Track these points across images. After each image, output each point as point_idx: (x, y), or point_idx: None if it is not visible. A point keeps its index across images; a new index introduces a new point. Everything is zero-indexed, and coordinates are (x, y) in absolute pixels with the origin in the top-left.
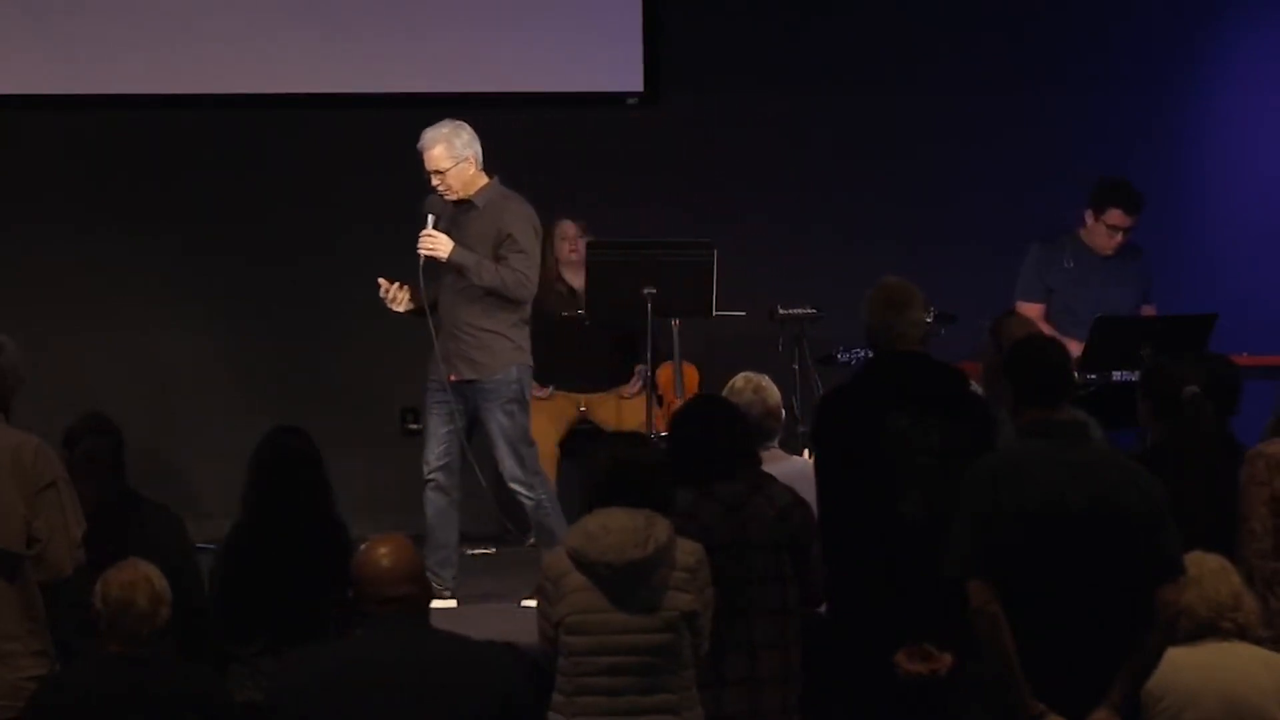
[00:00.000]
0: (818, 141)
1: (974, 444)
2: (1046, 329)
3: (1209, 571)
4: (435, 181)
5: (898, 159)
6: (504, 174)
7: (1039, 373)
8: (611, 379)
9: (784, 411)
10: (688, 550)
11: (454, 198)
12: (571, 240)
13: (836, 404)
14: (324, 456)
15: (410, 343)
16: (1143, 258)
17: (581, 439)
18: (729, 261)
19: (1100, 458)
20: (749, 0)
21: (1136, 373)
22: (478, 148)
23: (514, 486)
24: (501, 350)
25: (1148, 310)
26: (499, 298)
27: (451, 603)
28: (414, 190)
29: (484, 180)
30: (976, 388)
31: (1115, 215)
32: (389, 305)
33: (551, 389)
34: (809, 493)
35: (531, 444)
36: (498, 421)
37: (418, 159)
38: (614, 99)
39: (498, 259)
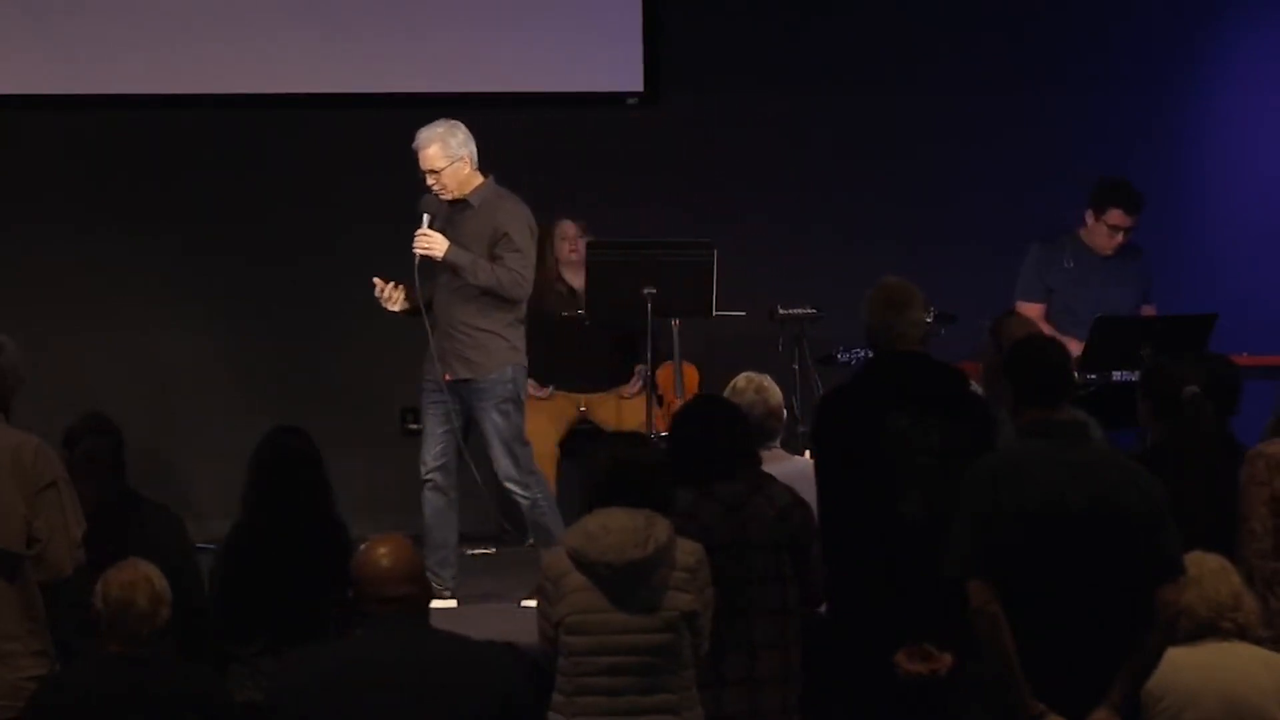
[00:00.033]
0: (818, 141)
1: (974, 444)
2: (1046, 329)
3: (1209, 571)
4: (430, 181)
5: (898, 159)
6: (504, 174)
7: (1039, 373)
8: (611, 379)
9: (785, 411)
10: (688, 550)
11: (449, 197)
12: (571, 240)
13: (836, 404)
14: (324, 456)
15: (410, 343)
16: (1143, 258)
17: (581, 439)
18: (729, 261)
19: (1100, 458)
20: (749, 0)
21: (1136, 373)
22: (473, 147)
23: (509, 486)
24: (497, 350)
25: (1148, 310)
26: (494, 297)
27: (451, 603)
28: (414, 190)
29: (479, 180)
30: (976, 388)
31: (1116, 215)
32: (384, 305)
33: (551, 389)
34: (810, 493)
35: (526, 444)
36: (492, 421)
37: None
38: (614, 99)
39: (493, 258)
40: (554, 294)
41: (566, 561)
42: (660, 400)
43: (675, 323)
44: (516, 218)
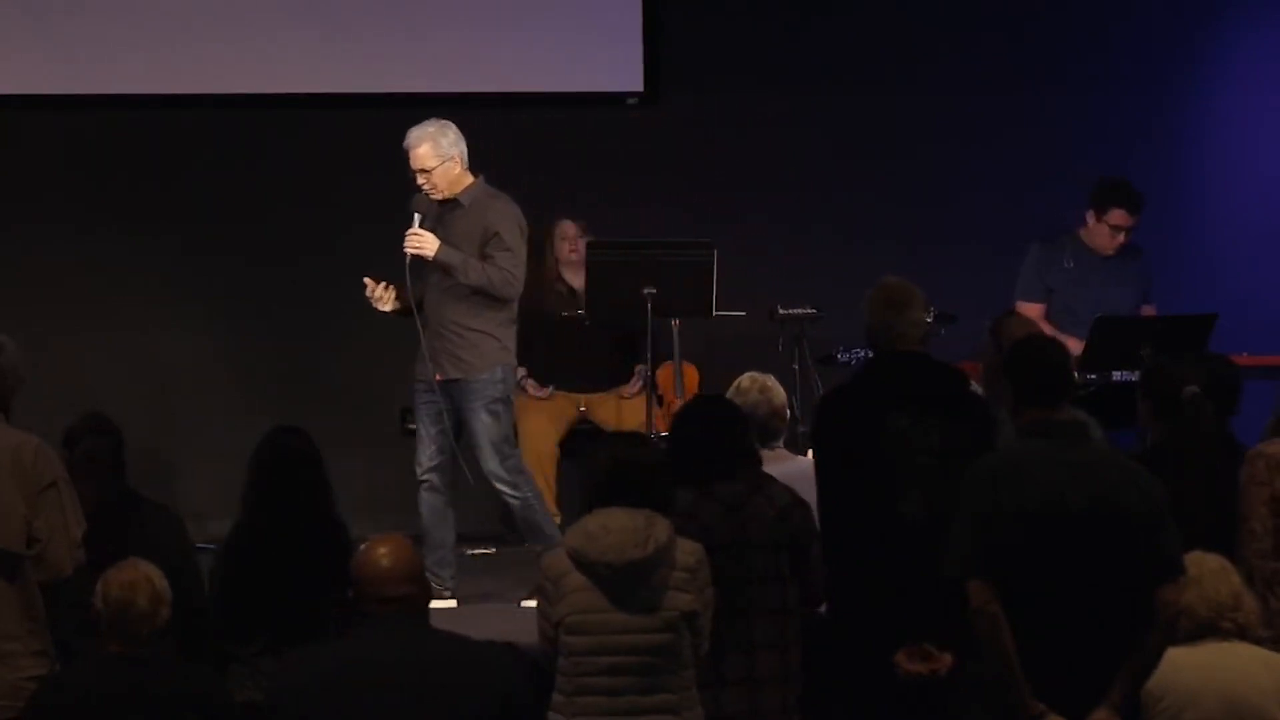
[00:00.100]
0: (818, 141)
1: (974, 444)
2: (1047, 329)
3: (1209, 571)
4: (421, 180)
5: (898, 159)
6: (504, 174)
7: (1039, 373)
8: (611, 379)
9: (789, 411)
10: (688, 550)
11: (439, 197)
12: (571, 240)
13: (836, 404)
14: (324, 456)
15: (410, 342)
16: (1143, 258)
17: (581, 439)
18: (729, 261)
19: (1100, 458)
20: (749, 0)
21: (1136, 373)
22: (463, 147)
23: (500, 487)
24: (489, 350)
25: (1148, 310)
26: (485, 296)
27: (451, 603)
28: (413, 190)
29: (469, 179)
30: (976, 388)
31: (1118, 215)
32: (375, 305)
33: (551, 389)
34: (811, 493)
35: (515, 444)
36: (482, 421)
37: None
38: (614, 99)
39: (484, 257)
40: (554, 294)
41: (566, 561)
42: (660, 400)
43: (675, 323)
44: (507, 217)
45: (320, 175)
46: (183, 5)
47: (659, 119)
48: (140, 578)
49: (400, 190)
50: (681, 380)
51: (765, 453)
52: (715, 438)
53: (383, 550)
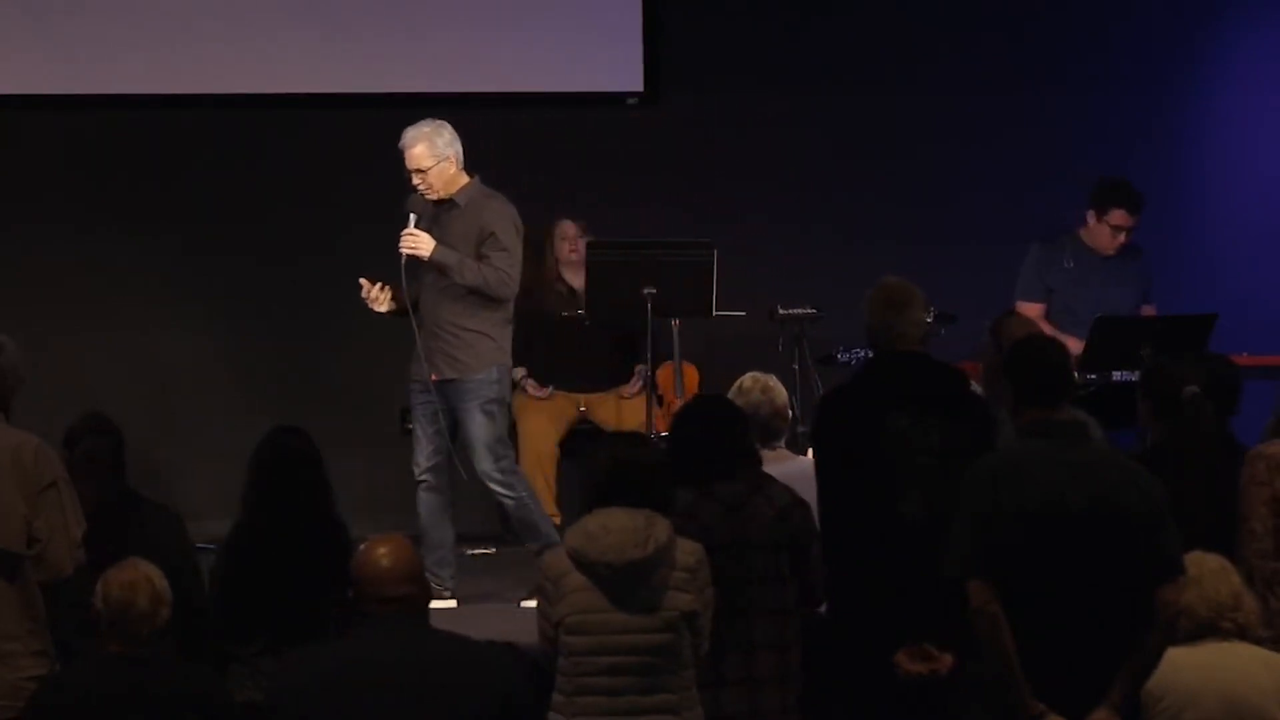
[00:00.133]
0: (818, 141)
1: (974, 444)
2: (1047, 329)
3: (1209, 571)
4: (416, 180)
5: (898, 159)
6: (504, 174)
7: (1039, 373)
8: (611, 379)
9: (790, 411)
10: (688, 550)
11: (434, 197)
12: (571, 240)
13: (836, 404)
14: (324, 456)
15: (409, 342)
16: (1143, 258)
17: (581, 439)
18: (729, 261)
19: (1100, 458)
20: (749, 0)
21: (1136, 373)
22: (458, 147)
23: (494, 487)
24: (485, 350)
25: (1148, 310)
26: (481, 296)
27: (451, 603)
28: (409, 191)
29: (465, 179)
30: (976, 388)
31: (1119, 215)
32: (371, 306)
33: (551, 389)
34: (812, 493)
35: (509, 445)
36: (477, 421)
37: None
38: (614, 99)
39: (480, 257)
40: (554, 294)
41: (566, 561)
42: (660, 400)
43: (675, 323)
44: (503, 217)
45: (320, 175)
46: (183, 5)
47: (659, 119)
48: (140, 578)
49: (400, 190)
50: (681, 380)
51: (766, 453)
52: (715, 438)
53: (383, 550)
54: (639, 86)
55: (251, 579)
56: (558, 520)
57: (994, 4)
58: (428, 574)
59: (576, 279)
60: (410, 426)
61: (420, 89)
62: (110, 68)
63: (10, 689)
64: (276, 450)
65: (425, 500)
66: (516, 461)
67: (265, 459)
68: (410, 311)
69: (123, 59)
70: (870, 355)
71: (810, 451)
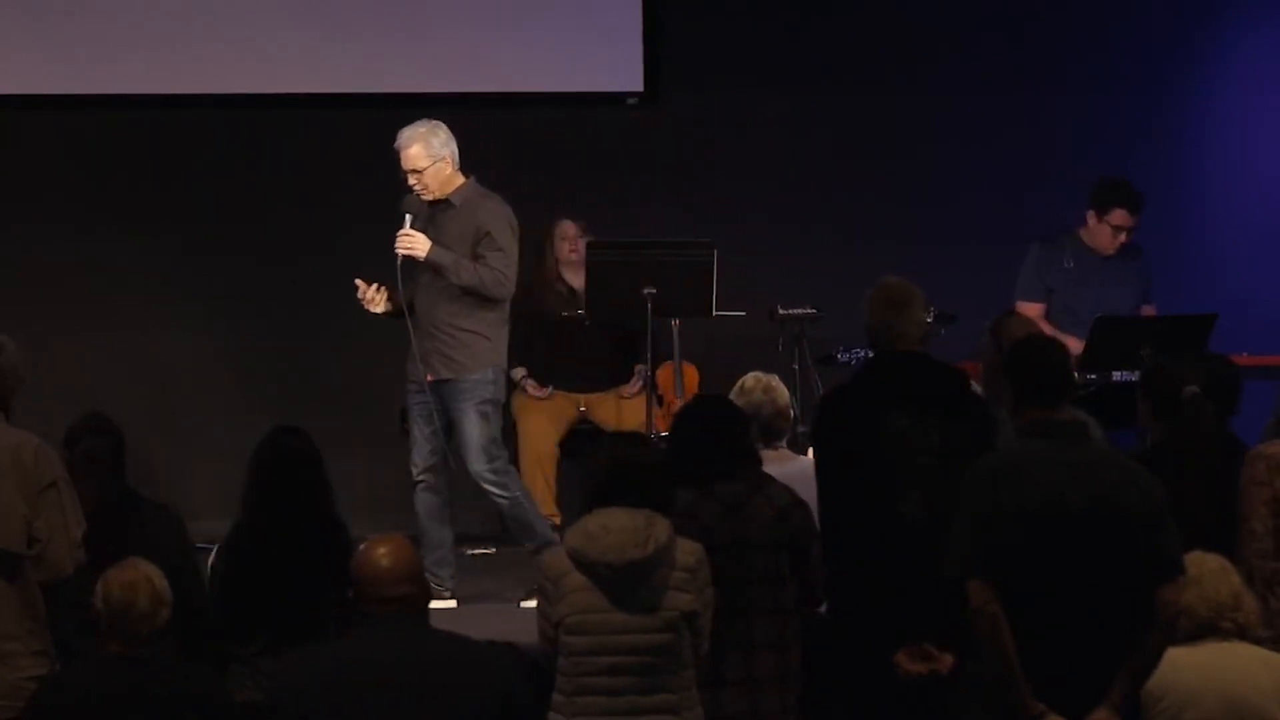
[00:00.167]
0: (818, 141)
1: (974, 444)
2: (1047, 329)
3: (1209, 571)
4: (412, 181)
5: (898, 159)
6: (504, 174)
7: (1039, 373)
8: (611, 379)
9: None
10: (688, 550)
11: (430, 197)
12: (571, 240)
13: (836, 404)
14: (324, 456)
15: (408, 343)
16: (1143, 258)
17: (581, 439)
18: (729, 261)
19: (1100, 458)
20: (749, 0)
21: (1136, 373)
22: (454, 147)
23: (488, 488)
24: (480, 350)
25: (1148, 310)
26: (477, 297)
27: (451, 603)
28: (405, 191)
29: (460, 180)
30: (976, 388)
31: (1120, 215)
32: (366, 307)
33: (551, 389)
34: (814, 492)
35: (502, 445)
36: (471, 421)
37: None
38: (614, 99)
39: (475, 258)
40: (554, 294)
41: (566, 561)
42: (660, 400)
43: (675, 323)
44: (498, 217)
45: (320, 175)
46: (183, 5)
47: (659, 119)
48: (140, 578)
49: (400, 190)
50: (681, 380)
51: (768, 452)
52: (715, 438)
53: (383, 550)
54: (639, 86)
55: (251, 579)
56: (558, 520)
57: (994, 4)
58: (427, 574)
59: (576, 279)
60: (409, 427)
61: (420, 89)
62: (110, 68)
63: (10, 689)
64: (276, 450)
65: (423, 500)
66: (515, 463)
67: (265, 459)
68: (406, 312)
69: (123, 59)
70: (870, 355)
71: (810, 451)
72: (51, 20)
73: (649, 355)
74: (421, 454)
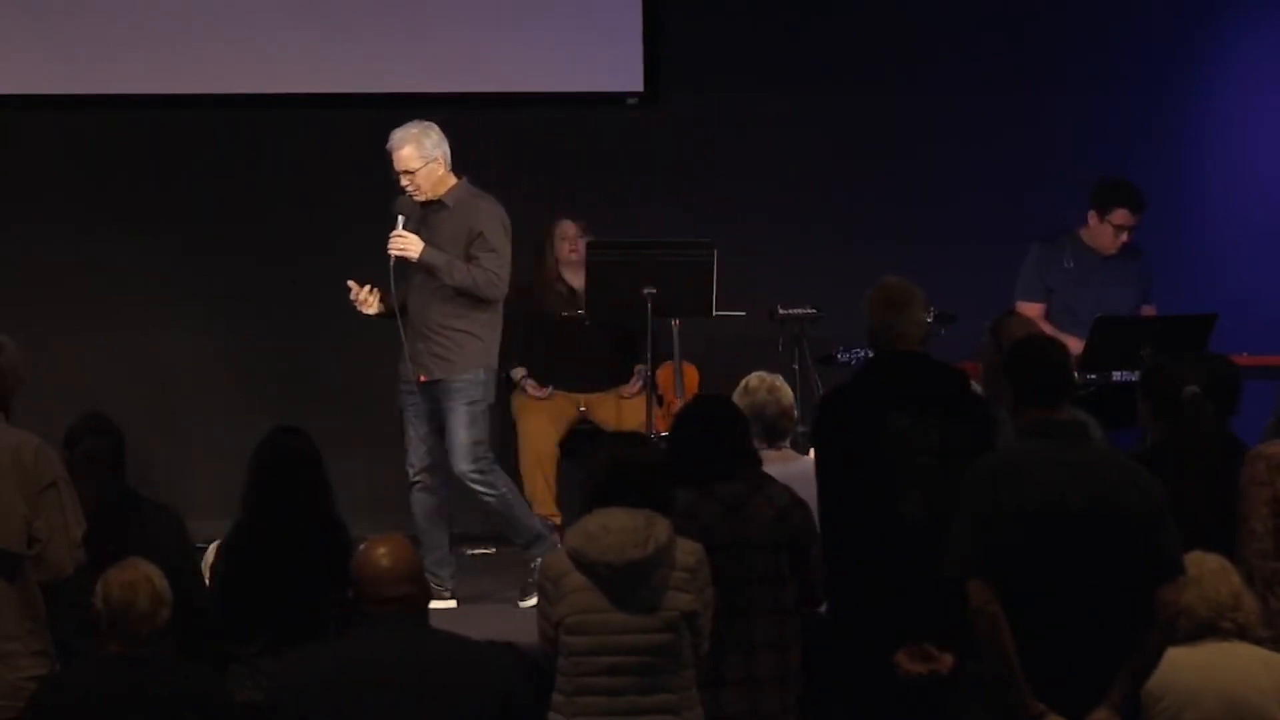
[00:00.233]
0: (818, 141)
1: (974, 444)
2: (1047, 329)
3: (1209, 571)
4: (404, 182)
5: (898, 159)
6: (504, 174)
7: (1039, 373)
8: (611, 379)
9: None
10: (688, 550)
11: (422, 198)
12: (571, 240)
13: (836, 404)
14: (324, 456)
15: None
16: (1143, 258)
17: (581, 439)
18: (729, 261)
19: (1100, 458)
20: (749, 0)
21: (1136, 373)
22: (446, 148)
23: (475, 487)
24: (473, 351)
25: (1148, 310)
26: (470, 297)
27: (451, 603)
28: (398, 192)
29: (453, 180)
30: (976, 388)
31: (1121, 215)
32: (359, 308)
33: (551, 389)
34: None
35: (488, 445)
36: (460, 420)
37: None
38: (614, 99)
39: (469, 258)
40: (554, 294)
41: (566, 561)
42: (660, 400)
43: (675, 323)
44: (491, 217)
45: (320, 175)
46: (183, 5)
47: (659, 119)
48: (140, 578)
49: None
50: (681, 380)
51: (772, 452)
52: (715, 438)
53: (382, 550)
54: (639, 86)
55: (251, 579)
56: (558, 520)
57: (994, 4)
58: (427, 574)
59: (576, 279)
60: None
61: (420, 89)
62: (110, 68)
63: (10, 689)
64: (276, 450)
65: (420, 501)
66: (515, 462)
67: (265, 459)
68: (398, 315)
69: (123, 59)
70: (870, 355)
71: (814, 451)
72: (51, 20)
73: (649, 355)
74: (418, 454)
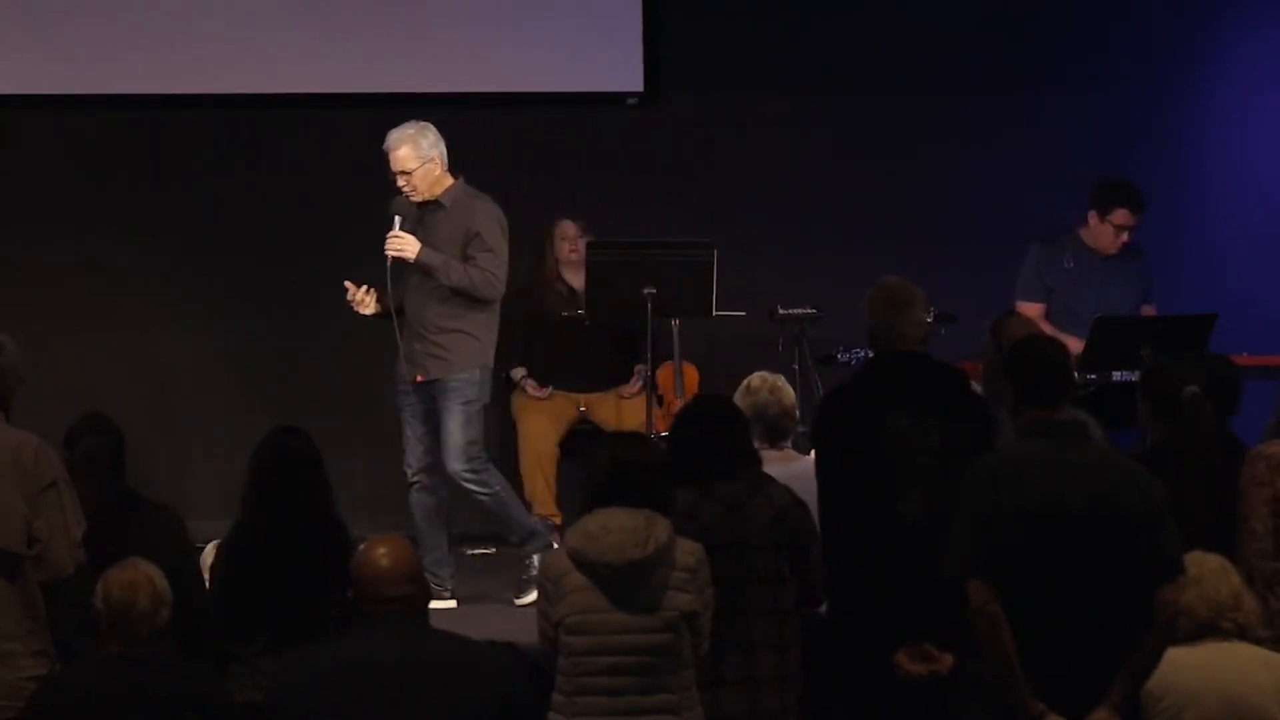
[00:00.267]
0: (818, 141)
1: (974, 444)
2: (1047, 329)
3: (1209, 571)
4: (401, 182)
5: (898, 159)
6: (504, 174)
7: (1039, 373)
8: (611, 379)
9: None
10: (688, 550)
11: (419, 199)
12: (571, 240)
13: (837, 404)
14: (324, 456)
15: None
16: (1143, 258)
17: (581, 439)
18: (729, 261)
19: (1100, 458)
20: (749, 0)
21: (1136, 373)
22: (443, 148)
23: (468, 486)
24: (469, 350)
25: (1148, 310)
26: (467, 297)
27: (451, 603)
28: (395, 193)
29: (450, 180)
30: (976, 388)
31: (1122, 215)
32: (356, 309)
33: (551, 389)
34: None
35: (481, 445)
36: (455, 420)
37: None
38: (614, 99)
39: (465, 258)
40: (554, 294)
41: (566, 561)
42: (660, 400)
43: (675, 323)
44: (488, 217)
45: (320, 175)
46: (183, 5)
47: (659, 119)
48: (141, 578)
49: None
50: (681, 380)
51: (774, 453)
52: (715, 438)
53: (382, 550)
54: (639, 86)
55: (251, 579)
56: (558, 520)
57: (994, 4)
58: (427, 574)
59: (576, 279)
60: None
61: (420, 89)
62: (110, 68)
63: (10, 689)
64: (276, 450)
65: (419, 501)
66: (515, 462)
67: (265, 459)
68: (394, 315)
69: (123, 59)
70: (870, 355)
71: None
72: (51, 20)
73: (649, 355)
74: (415, 455)
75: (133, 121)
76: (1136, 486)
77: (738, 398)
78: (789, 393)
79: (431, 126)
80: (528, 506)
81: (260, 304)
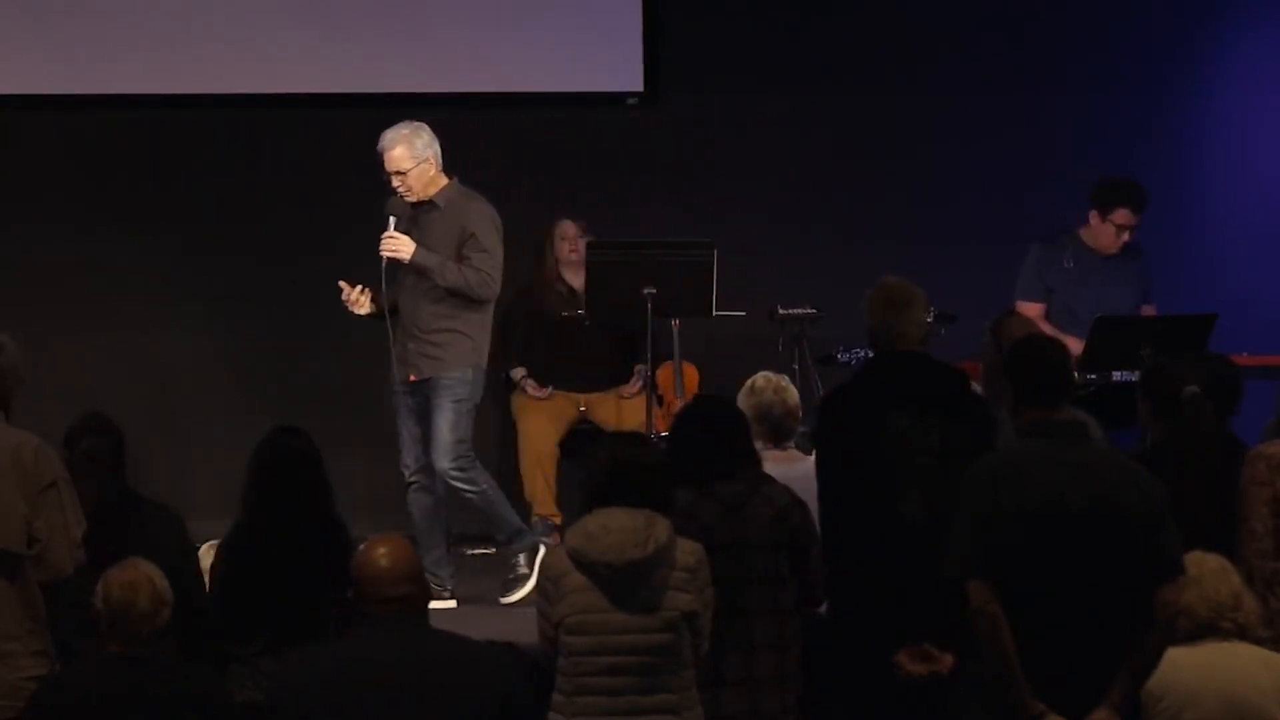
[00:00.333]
0: (818, 141)
1: (974, 444)
2: (1047, 329)
3: (1209, 571)
4: (396, 183)
5: (898, 159)
6: (504, 174)
7: (1039, 373)
8: (611, 379)
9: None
10: (688, 550)
11: (413, 199)
12: (571, 240)
13: (837, 404)
14: (324, 456)
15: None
16: (1143, 258)
17: (581, 439)
18: (729, 261)
19: (1100, 458)
20: (749, 0)
21: (1136, 373)
22: (437, 148)
23: (456, 485)
24: (463, 350)
25: (1148, 310)
26: (461, 297)
27: (451, 603)
28: (389, 193)
29: (444, 181)
30: (976, 388)
31: (1123, 215)
32: (351, 309)
33: (551, 389)
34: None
35: (470, 444)
36: (445, 418)
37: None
38: (614, 99)
39: (460, 259)
40: (554, 294)
41: (566, 561)
42: (660, 400)
43: (675, 323)
44: (483, 217)
45: (320, 175)
46: (183, 5)
47: (659, 119)
48: (141, 578)
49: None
50: (681, 380)
51: (777, 452)
52: (715, 438)
53: (382, 550)
54: (639, 86)
55: (251, 579)
56: (558, 520)
57: (994, 4)
58: (426, 574)
59: (576, 279)
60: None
61: (420, 89)
62: (110, 68)
63: (10, 689)
64: (276, 450)
65: (417, 501)
66: (515, 462)
67: (265, 459)
68: (387, 316)
69: (123, 59)
70: (870, 355)
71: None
72: (51, 20)
73: (649, 355)
74: (412, 455)
75: (133, 121)
76: (1136, 486)
77: (741, 398)
78: (793, 393)
79: (425, 127)
80: (528, 506)
81: (260, 304)
